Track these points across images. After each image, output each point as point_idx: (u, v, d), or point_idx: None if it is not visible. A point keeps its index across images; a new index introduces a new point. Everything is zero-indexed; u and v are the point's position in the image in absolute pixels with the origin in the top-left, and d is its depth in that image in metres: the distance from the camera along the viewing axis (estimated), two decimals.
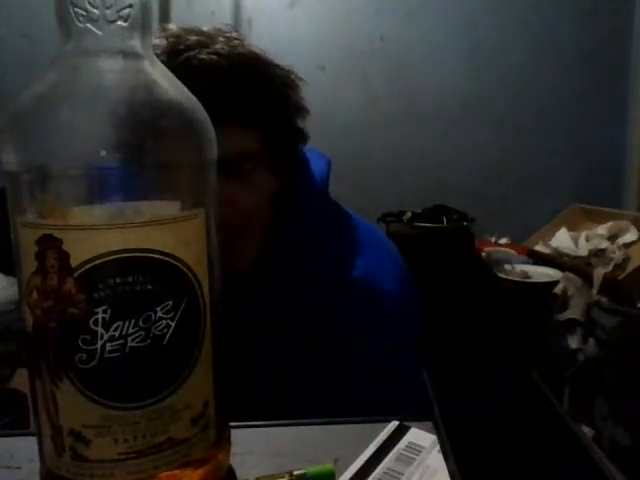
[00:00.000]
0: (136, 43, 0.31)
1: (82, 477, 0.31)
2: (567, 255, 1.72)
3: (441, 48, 1.95)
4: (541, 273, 1.68)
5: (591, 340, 1.47)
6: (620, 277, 1.48)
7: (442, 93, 1.97)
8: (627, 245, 1.61)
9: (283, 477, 0.36)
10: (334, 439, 0.41)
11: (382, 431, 0.41)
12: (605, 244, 1.65)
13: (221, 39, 0.60)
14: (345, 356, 0.65)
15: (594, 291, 1.49)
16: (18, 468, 0.38)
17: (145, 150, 0.30)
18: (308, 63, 1.89)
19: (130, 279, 0.29)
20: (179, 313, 0.31)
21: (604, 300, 1.47)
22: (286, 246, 0.67)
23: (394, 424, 0.42)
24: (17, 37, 1.80)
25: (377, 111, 1.97)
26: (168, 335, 0.31)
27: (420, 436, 0.40)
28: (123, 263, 0.29)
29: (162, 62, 0.33)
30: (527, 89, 1.98)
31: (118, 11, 0.30)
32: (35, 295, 0.29)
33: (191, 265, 0.31)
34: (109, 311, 0.29)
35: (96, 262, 0.29)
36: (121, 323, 0.29)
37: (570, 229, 1.86)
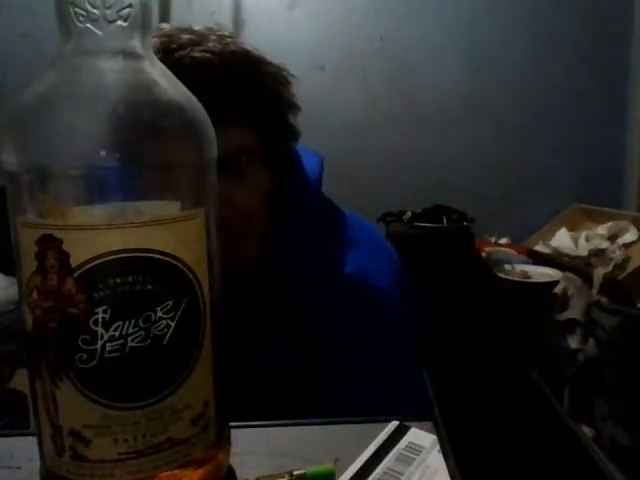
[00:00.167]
0: (136, 43, 0.31)
1: (82, 477, 0.31)
2: (567, 255, 1.72)
3: (441, 48, 1.95)
4: (541, 273, 1.68)
5: (591, 340, 1.47)
6: (620, 277, 1.48)
7: (442, 93, 1.98)
8: (627, 245, 1.61)
9: (283, 477, 0.36)
10: (334, 439, 0.41)
11: (382, 431, 0.41)
12: (605, 244, 1.65)
13: (213, 37, 0.60)
14: (344, 355, 0.65)
15: (594, 291, 1.49)
16: (18, 468, 0.38)
17: (145, 150, 0.30)
18: (308, 63, 1.90)
19: (130, 279, 0.29)
20: (179, 313, 0.31)
21: (604, 300, 1.47)
22: (282, 245, 0.67)
23: (394, 424, 0.42)
24: (17, 37, 1.80)
25: (377, 111, 1.97)
26: (168, 335, 0.31)
27: (420, 436, 0.40)
28: (123, 263, 0.29)
29: None
30: (527, 89, 1.98)
31: (118, 11, 0.30)
32: (35, 295, 0.29)
33: (191, 265, 0.31)
34: (109, 311, 0.29)
35: (96, 262, 0.29)
36: (121, 323, 0.29)
37: (570, 229, 1.86)
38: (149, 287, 0.30)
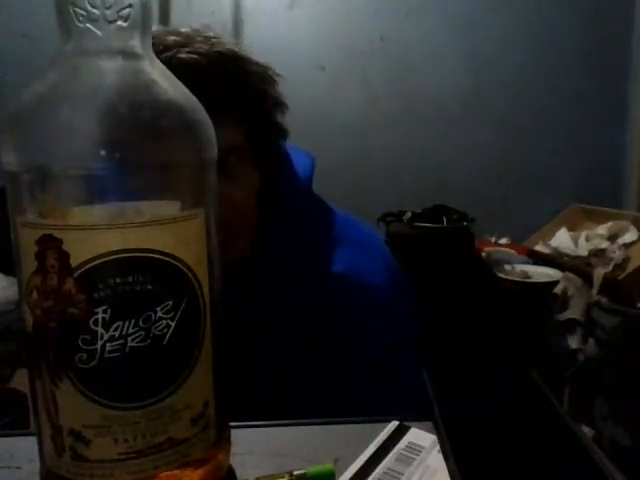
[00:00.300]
0: (136, 43, 0.31)
1: (82, 477, 0.31)
2: (567, 255, 1.72)
3: (441, 48, 1.95)
4: (541, 273, 1.68)
5: (591, 340, 1.47)
6: (620, 277, 1.48)
7: (442, 93, 1.97)
8: (627, 245, 1.61)
9: (283, 477, 0.36)
10: (334, 439, 0.41)
11: (382, 431, 0.41)
12: (605, 244, 1.65)
13: (199, 39, 0.61)
14: (343, 355, 0.65)
15: (594, 291, 1.49)
16: (18, 468, 0.38)
17: (145, 150, 0.30)
18: (308, 63, 1.90)
19: (130, 279, 0.29)
20: (179, 313, 0.31)
21: (604, 300, 1.47)
22: (274, 245, 0.67)
23: (394, 424, 0.42)
24: (17, 37, 1.80)
25: (377, 111, 1.97)
26: (168, 335, 0.31)
27: (420, 436, 0.40)
28: (123, 263, 0.29)
29: None
30: (527, 89, 1.98)
31: (118, 11, 0.30)
32: (35, 295, 0.29)
33: (191, 265, 0.31)
34: (109, 311, 0.29)
35: (96, 262, 0.29)
36: (121, 323, 0.29)
37: (570, 229, 1.86)
38: (149, 287, 0.30)
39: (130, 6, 0.31)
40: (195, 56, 0.58)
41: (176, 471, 0.32)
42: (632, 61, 1.97)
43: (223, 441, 0.35)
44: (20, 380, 1.06)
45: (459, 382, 0.46)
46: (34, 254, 0.29)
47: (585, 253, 1.67)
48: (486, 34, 1.95)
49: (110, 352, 0.29)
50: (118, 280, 0.29)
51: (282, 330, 0.66)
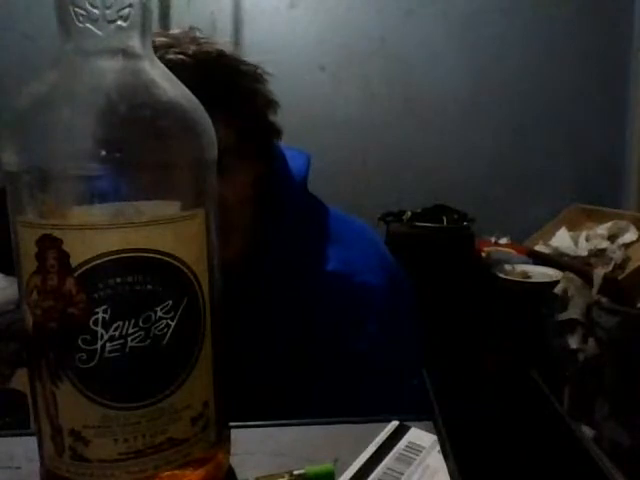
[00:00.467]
0: (136, 43, 0.31)
1: (82, 477, 0.31)
2: (567, 255, 1.72)
3: (441, 48, 1.95)
4: (541, 273, 1.68)
5: (591, 340, 1.47)
6: (620, 277, 1.48)
7: (442, 93, 1.98)
8: (627, 245, 1.61)
9: (283, 477, 0.36)
10: (334, 439, 0.41)
11: (382, 431, 0.41)
12: (605, 244, 1.65)
13: (187, 40, 0.61)
14: (342, 355, 0.65)
15: (594, 291, 1.49)
16: (18, 468, 0.38)
17: (145, 150, 0.30)
18: (308, 63, 1.90)
19: (130, 279, 0.29)
20: (179, 313, 0.31)
21: (604, 300, 1.47)
22: (269, 245, 0.67)
23: (394, 424, 0.42)
24: (17, 37, 1.80)
25: (377, 111, 1.97)
26: (168, 335, 0.31)
27: (420, 436, 0.40)
28: (123, 263, 0.29)
29: None
30: (527, 89, 1.98)
31: (118, 11, 0.30)
32: (35, 295, 0.29)
33: (191, 265, 0.31)
34: (109, 311, 0.29)
35: (96, 262, 0.29)
36: (121, 323, 0.29)
37: (570, 229, 1.86)
38: (149, 287, 0.30)
39: (130, 6, 0.31)
40: (182, 57, 0.59)
41: (176, 471, 0.32)
42: (632, 61, 1.98)
43: (223, 441, 0.35)
44: (20, 380, 1.06)
45: (459, 382, 0.46)
46: (34, 254, 0.29)
47: (585, 253, 1.67)
48: (486, 34, 1.95)
49: (110, 352, 0.29)
50: (118, 280, 0.29)
51: (278, 329, 0.66)
